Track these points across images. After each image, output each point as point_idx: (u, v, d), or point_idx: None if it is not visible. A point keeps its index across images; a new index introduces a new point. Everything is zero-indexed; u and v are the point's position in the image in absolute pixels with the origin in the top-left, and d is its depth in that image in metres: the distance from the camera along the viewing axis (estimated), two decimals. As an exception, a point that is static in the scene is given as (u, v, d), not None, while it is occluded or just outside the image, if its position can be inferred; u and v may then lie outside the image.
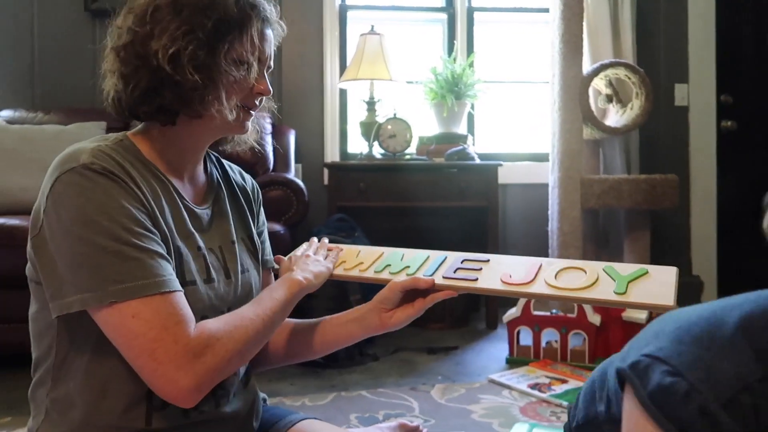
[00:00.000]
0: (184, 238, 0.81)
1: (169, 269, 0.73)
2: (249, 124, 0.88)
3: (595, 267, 0.90)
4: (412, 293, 0.93)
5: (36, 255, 0.74)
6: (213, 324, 0.75)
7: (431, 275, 0.94)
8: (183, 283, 0.76)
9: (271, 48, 0.86)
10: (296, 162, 2.79)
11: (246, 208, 0.97)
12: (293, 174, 2.57)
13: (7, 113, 2.53)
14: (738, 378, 0.42)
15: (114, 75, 0.79)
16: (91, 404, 0.76)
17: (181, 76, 0.76)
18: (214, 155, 0.98)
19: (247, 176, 1.03)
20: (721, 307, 0.49)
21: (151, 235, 0.73)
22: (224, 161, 0.99)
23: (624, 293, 0.85)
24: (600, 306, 0.88)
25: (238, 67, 0.80)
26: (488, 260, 0.97)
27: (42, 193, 0.74)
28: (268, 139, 2.63)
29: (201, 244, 0.84)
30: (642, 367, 0.48)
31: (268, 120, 2.67)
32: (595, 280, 0.88)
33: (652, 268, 0.88)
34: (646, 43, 3.03)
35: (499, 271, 0.94)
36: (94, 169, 0.72)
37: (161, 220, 0.77)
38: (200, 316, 0.78)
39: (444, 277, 0.94)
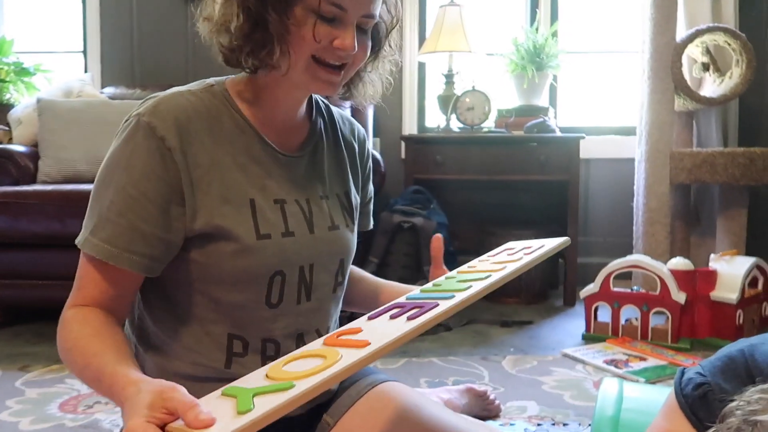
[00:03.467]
0: (260, 188, 0.79)
1: (137, 245, 0.72)
2: (334, 81, 0.78)
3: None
4: None
5: None
6: (72, 323, 0.72)
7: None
8: (257, 236, 0.77)
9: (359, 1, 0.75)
10: (375, 136, 2.83)
11: (348, 162, 0.93)
12: (371, 147, 2.61)
13: (110, 90, 2.74)
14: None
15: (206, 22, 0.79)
16: (171, 343, 0.81)
17: (235, 28, 0.74)
18: (325, 103, 0.94)
19: (359, 128, 0.97)
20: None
21: (147, 204, 0.72)
22: (336, 111, 0.95)
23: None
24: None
25: (305, 18, 0.73)
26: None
27: None
28: (347, 112, 2.69)
29: (281, 195, 0.81)
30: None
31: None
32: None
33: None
34: (750, 6, 2.80)
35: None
36: (141, 122, 0.73)
37: (223, 175, 0.77)
38: (274, 271, 0.78)
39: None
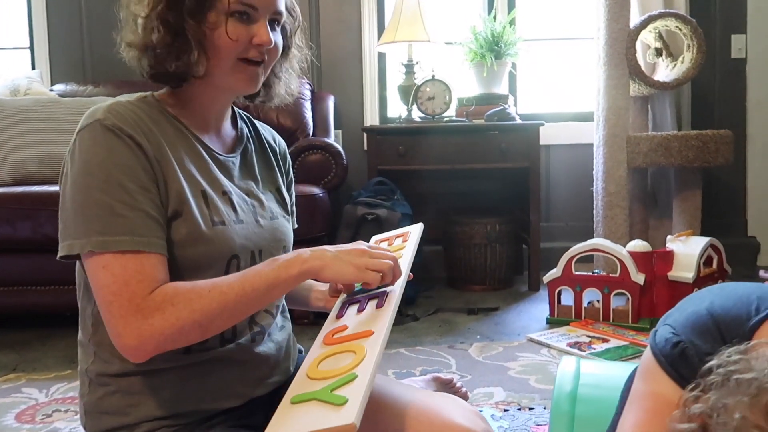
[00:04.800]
0: (209, 182, 0.84)
1: (155, 230, 0.75)
2: (256, 78, 0.84)
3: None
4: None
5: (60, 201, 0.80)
6: (178, 287, 0.73)
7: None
8: (212, 224, 0.80)
9: None
10: (336, 128, 2.80)
11: (275, 163, 0.99)
12: (333, 139, 2.59)
13: (60, 87, 2.64)
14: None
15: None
16: None
17: (157, 41, 0.79)
18: (245, 115, 1.00)
19: (279, 138, 1.04)
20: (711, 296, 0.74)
21: (146, 193, 0.75)
22: (256, 122, 1.02)
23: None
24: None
25: (219, 22, 0.79)
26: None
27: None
28: (308, 105, 2.65)
29: (228, 188, 0.86)
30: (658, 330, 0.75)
31: (307, 87, 2.69)
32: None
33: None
34: (699, -8, 2.87)
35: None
36: (105, 125, 0.75)
37: (177, 170, 0.79)
38: (230, 255, 0.82)
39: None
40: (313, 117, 2.65)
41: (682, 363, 0.69)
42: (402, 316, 2.14)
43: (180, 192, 0.79)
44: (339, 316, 0.80)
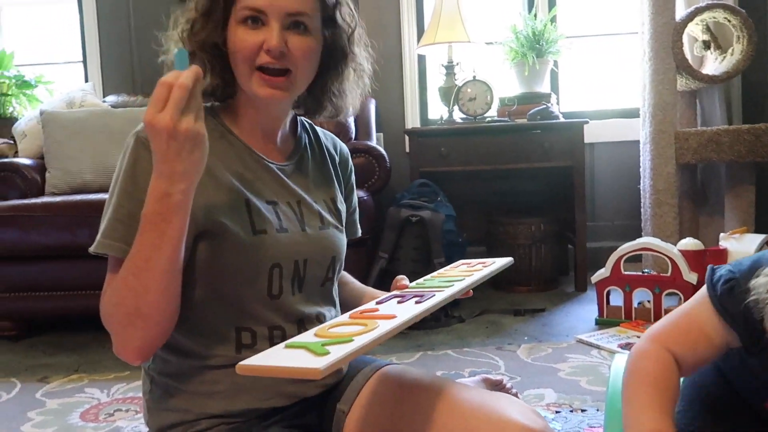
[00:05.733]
0: (254, 190, 0.85)
1: None
2: (278, 86, 0.81)
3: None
4: None
5: None
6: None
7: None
8: (253, 232, 0.82)
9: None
10: (378, 131, 2.83)
11: (333, 173, 0.98)
12: (375, 142, 2.61)
13: (112, 98, 2.74)
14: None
15: None
16: (187, 343, 0.84)
17: (198, 55, 0.82)
18: (308, 123, 1.00)
19: (341, 145, 1.03)
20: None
21: None
22: (320, 129, 1.01)
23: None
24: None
25: (235, 30, 0.80)
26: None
27: None
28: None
29: (273, 198, 0.86)
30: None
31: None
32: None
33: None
34: (749, -18, 2.78)
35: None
36: (139, 138, 0.79)
37: (216, 180, 0.81)
38: (271, 263, 0.83)
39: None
40: (354, 120, 2.67)
41: (728, 299, 0.73)
42: (448, 318, 2.14)
43: (212, 206, 0.80)
44: (379, 302, 0.82)
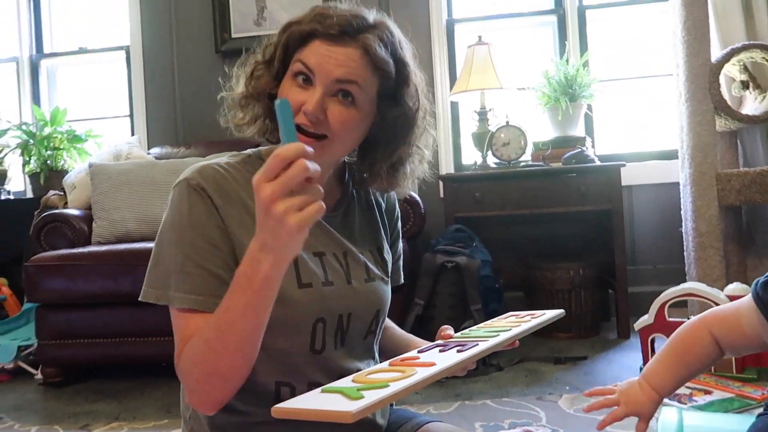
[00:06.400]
0: None
1: (216, 289, 0.75)
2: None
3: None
4: None
5: None
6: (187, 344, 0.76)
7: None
8: (299, 285, 0.81)
9: (322, 59, 0.77)
10: (412, 177, 2.85)
11: (379, 220, 0.96)
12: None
13: (156, 150, 2.86)
14: None
15: None
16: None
17: (256, 112, 0.86)
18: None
19: (390, 193, 0.99)
20: None
21: (216, 251, 0.77)
22: None
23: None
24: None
25: (286, 83, 0.81)
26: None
27: None
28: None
29: (320, 248, 0.85)
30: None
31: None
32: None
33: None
34: (786, 21, 2.75)
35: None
36: (190, 185, 0.79)
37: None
38: (316, 318, 0.82)
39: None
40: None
41: (766, 293, 0.81)
42: (486, 366, 2.09)
43: None
44: (420, 351, 0.81)
